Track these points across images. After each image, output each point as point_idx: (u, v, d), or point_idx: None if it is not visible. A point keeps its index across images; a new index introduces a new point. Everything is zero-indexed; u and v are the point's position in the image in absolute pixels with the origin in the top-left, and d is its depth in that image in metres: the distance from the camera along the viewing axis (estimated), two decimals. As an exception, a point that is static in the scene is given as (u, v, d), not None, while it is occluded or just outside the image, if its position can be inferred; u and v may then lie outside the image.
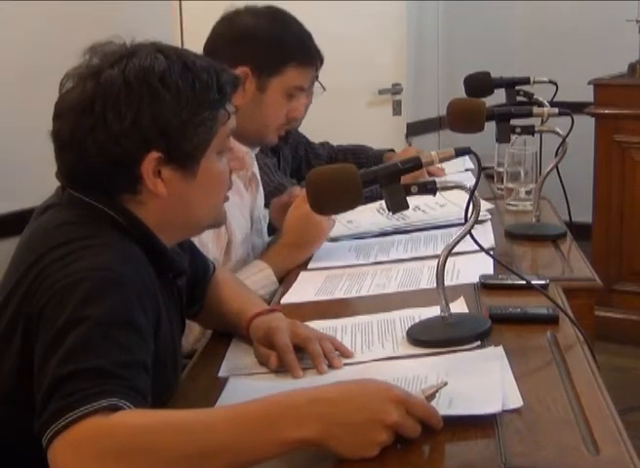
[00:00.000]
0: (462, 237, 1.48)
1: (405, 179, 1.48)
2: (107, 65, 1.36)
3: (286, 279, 1.99)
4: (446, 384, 1.19)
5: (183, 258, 1.52)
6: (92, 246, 1.27)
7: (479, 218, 1.50)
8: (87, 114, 1.34)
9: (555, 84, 2.56)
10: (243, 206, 2.06)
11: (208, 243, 1.85)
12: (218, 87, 1.38)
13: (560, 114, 2.17)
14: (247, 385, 1.43)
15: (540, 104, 2.39)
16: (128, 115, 1.32)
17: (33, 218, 1.42)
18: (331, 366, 1.44)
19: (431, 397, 1.17)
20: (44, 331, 1.18)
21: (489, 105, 2.17)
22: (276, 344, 1.48)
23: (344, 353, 1.49)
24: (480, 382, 1.29)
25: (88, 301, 1.18)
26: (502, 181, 2.54)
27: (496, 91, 2.61)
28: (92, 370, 1.11)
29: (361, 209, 1.59)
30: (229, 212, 1.98)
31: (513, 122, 2.20)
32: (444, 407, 1.18)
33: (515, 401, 1.24)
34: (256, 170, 2.18)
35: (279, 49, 2.06)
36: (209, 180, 1.41)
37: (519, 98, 2.58)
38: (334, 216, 2.10)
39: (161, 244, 1.40)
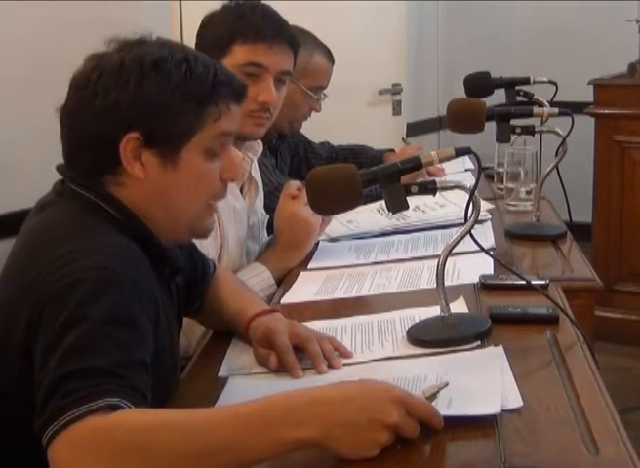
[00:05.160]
0: (462, 237, 1.48)
1: (405, 179, 1.48)
2: (115, 50, 1.40)
3: (286, 279, 1.99)
4: (447, 385, 1.19)
5: (179, 256, 1.52)
6: (91, 245, 1.27)
7: (479, 218, 1.50)
8: (81, 90, 1.38)
9: (555, 84, 2.56)
10: (237, 210, 2.06)
11: (207, 244, 1.85)
12: (211, 83, 1.38)
13: (560, 114, 2.17)
14: (247, 385, 1.43)
15: (540, 104, 2.39)
16: (113, 94, 1.35)
17: (33, 214, 1.42)
18: (330, 366, 1.44)
19: (432, 397, 1.17)
20: (44, 331, 1.18)
21: (489, 105, 2.17)
22: (275, 345, 1.48)
23: (344, 353, 1.49)
24: (480, 382, 1.28)
25: (88, 301, 1.18)
26: (502, 181, 2.54)
27: (496, 91, 2.62)
28: (91, 370, 1.11)
29: (361, 209, 1.59)
30: (224, 215, 1.98)
31: (513, 122, 2.20)
32: (444, 407, 1.18)
33: (515, 401, 1.24)
34: (255, 174, 2.18)
35: (223, 29, 2.02)
36: (189, 176, 1.39)
37: (519, 98, 2.58)
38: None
39: (156, 239, 1.40)
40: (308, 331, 1.51)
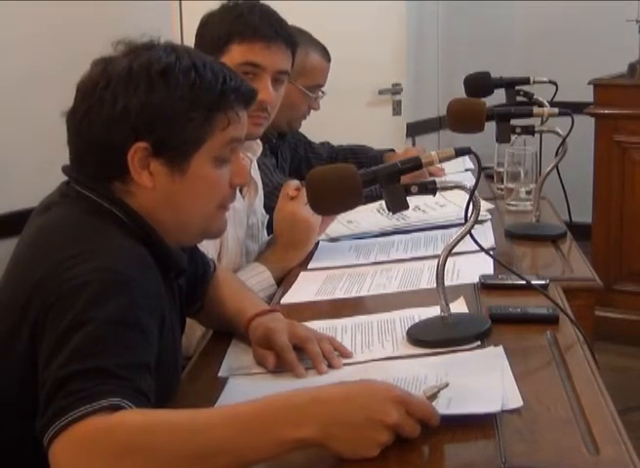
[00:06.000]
0: (462, 237, 1.48)
1: (405, 179, 1.48)
2: (122, 54, 1.39)
3: (286, 279, 1.99)
4: (447, 385, 1.19)
5: (183, 257, 1.52)
6: (97, 247, 1.27)
7: (479, 218, 1.50)
8: (88, 96, 1.37)
9: (555, 84, 2.56)
10: (237, 210, 2.06)
11: (207, 244, 1.85)
12: (220, 91, 1.37)
13: (560, 114, 2.17)
14: (247, 385, 1.43)
15: (540, 104, 2.39)
16: (121, 101, 1.34)
17: (36, 215, 1.41)
18: (330, 366, 1.44)
19: (432, 398, 1.17)
20: (49, 332, 1.18)
21: (489, 105, 2.17)
22: (275, 345, 1.48)
23: (343, 353, 1.49)
24: (480, 382, 1.28)
25: (94, 303, 1.17)
26: (502, 181, 2.54)
27: (496, 91, 2.62)
28: (95, 371, 1.11)
29: (361, 209, 1.59)
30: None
31: (513, 122, 2.20)
32: (444, 406, 1.18)
33: (515, 401, 1.24)
34: (255, 174, 2.18)
35: (221, 29, 2.02)
36: (198, 184, 1.39)
37: (519, 98, 2.58)
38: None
39: (164, 242, 1.40)
40: (308, 331, 1.51)
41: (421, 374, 1.33)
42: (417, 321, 1.58)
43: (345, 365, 1.46)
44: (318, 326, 1.60)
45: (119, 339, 1.16)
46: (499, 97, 2.59)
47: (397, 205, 1.48)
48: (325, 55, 2.78)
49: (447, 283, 1.54)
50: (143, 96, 1.34)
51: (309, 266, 2.05)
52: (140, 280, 1.25)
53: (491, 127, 2.18)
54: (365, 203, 1.50)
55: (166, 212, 1.39)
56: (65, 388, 1.09)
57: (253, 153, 2.13)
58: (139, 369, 1.15)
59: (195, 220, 1.43)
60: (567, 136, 2.15)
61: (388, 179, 1.46)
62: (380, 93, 4.05)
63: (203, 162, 1.38)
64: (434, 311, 1.55)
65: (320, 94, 2.78)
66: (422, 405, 1.14)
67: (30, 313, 1.22)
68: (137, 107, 1.33)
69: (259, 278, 1.97)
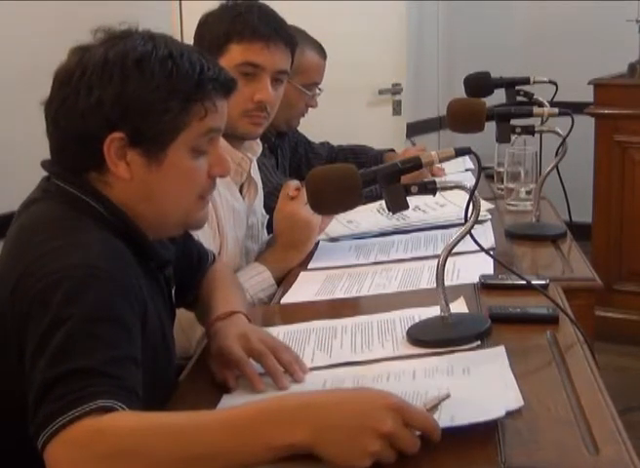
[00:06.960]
0: (462, 237, 1.48)
1: (405, 179, 1.48)
2: (100, 43, 1.38)
3: (286, 279, 1.99)
4: (449, 396, 1.15)
5: (168, 249, 1.50)
6: (74, 242, 1.26)
7: (479, 218, 1.50)
8: (64, 86, 1.36)
9: (555, 84, 2.57)
10: (236, 210, 2.06)
11: (208, 244, 1.85)
12: (197, 80, 1.36)
13: (560, 114, 2.17)
14: (247, 386, 1.42)
15: (540, 104, 2.39)
16: (96, 91, 1.33)
17: (20, 212, 1.41)
18: (293, 380, 1.39)
19: (433, 409, 1.13)
20: (32, 332, 1.17)
21: (489, 105, 2.17)
22: (232, 360, 1.42)
23: (301, 367, 1.41)
24: (481, 384, 1.28)
25: (71, 299, 1.17)
26: (502, 181, 2.55)
27: (496, 91, 2.62)
28: (80, 371, 1.10)
29: (361, 209, 1.59)
30: (223, 215, 1.98)
31: (513, 122, 2.20)
32: (446, 420, 1.13)
33: (515, 401, 1.23)
34: (255, 174, 2.18)
35: (220, 29, 2.02)
36: (175, 174, 1.38)
37: (519, 98, 2.58)
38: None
39: (142, 234, 1.39)
40: (263, 343, 1.44)
41: (422, 389, 1.27)
42: (417, 321, 1.58)
43: (346, 365, 1.45)
44: (319, 326, 1.60)
45: (100, 336, 1.15)
46: (499, 97, 2.59)
47: (397, 205, 1.48)
48: (321, 52, 2.77)
49: (447, 283, 1.54)
50: (118, 85, 1.33)
51: (309, 266, 2.05)
52: (118, 276, 1.24)
53: (491, 127, 2.18)
54: (365, 203, 1.50)
55: (144, 203, 1.38)
56: (54, 391, 1.09)
57: (253, 153, 2.13)
58: (124, 362, 1.15)
59: (173, 212, 1.42)
60: (567, 136, 2.15)
61: (388, 179, 1.46)
62: (380, 93, 4.05)
63: (180, 152, 1.37)
64: (434, 311, 1.55)
65: (317, 91, 2.78)
66: (421, 415, 1.09)
67: (15, 311, 1.22)
68: (112, 97, 1.32)
69: (259, 278, 1.97)
